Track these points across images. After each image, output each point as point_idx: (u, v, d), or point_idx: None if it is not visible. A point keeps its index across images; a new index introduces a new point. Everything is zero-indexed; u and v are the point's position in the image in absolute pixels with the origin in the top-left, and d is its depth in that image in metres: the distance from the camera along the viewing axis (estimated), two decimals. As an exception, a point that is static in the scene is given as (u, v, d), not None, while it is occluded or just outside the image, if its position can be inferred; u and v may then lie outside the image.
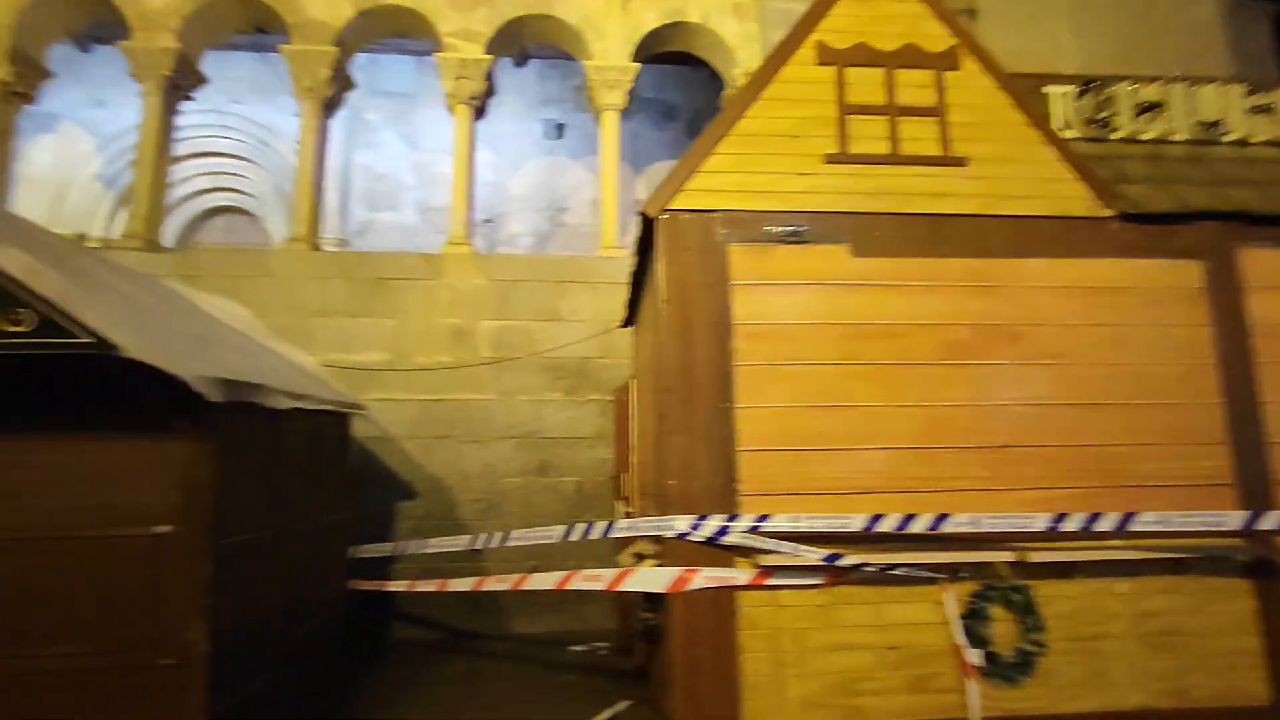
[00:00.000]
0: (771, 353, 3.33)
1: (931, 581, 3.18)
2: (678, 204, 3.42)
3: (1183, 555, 3.26)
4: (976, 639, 3.15)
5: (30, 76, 7.37)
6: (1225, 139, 4.11)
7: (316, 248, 7.05)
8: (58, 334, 2.59)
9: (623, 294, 6.88)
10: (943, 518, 3.06)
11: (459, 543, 4.61)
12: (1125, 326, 3.47)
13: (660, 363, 3.37)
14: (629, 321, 5.45)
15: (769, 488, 3.22)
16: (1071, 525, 3.06)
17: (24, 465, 2.92)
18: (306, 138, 7.26)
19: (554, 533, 3.78)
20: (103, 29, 8.57)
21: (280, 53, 8.92)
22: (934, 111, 3.59)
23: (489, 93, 7.71)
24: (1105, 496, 3.27)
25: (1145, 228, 3.55)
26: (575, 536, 3.61)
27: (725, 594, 3.15)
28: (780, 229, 3.43)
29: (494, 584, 3.87)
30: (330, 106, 7.51)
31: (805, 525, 3.07)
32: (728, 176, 3.46)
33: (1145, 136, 4.08)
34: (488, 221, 10.35)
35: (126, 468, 2.96)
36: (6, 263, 2.66)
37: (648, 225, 3.53)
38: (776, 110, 3.54)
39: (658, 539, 3.35)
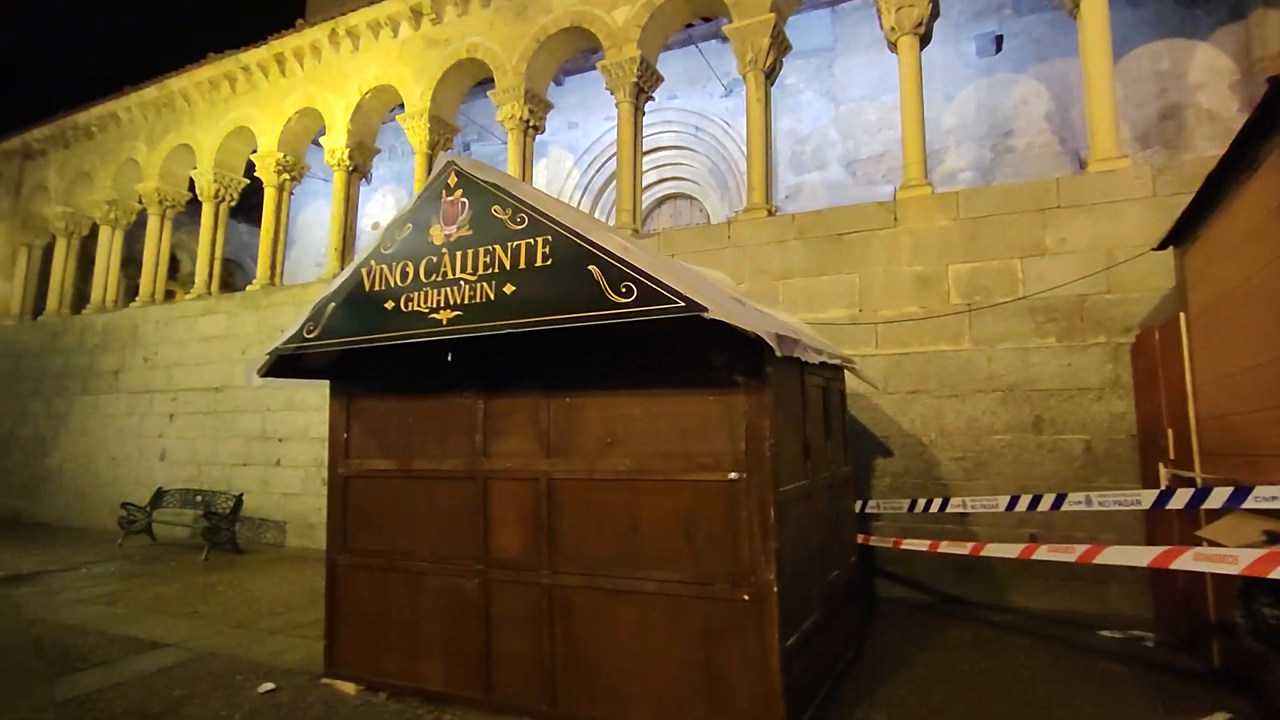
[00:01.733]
0: None
1: None
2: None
3: None
4: None
5: (539, 111, 9.11)
6: None
7: (771, 213, 7.29)
8: (654, 300, 2.95)
9: (1134, 213, 5.64)
10: None
11: (998, 502, 4.22)
12: None
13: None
14: (1177, 240, 4.34)
15: None
16: None
17: (626, 419, 3.47)
18: (753, 109, 7.54)
19: (1138, 498, 3.14)
20: (573, 62, 10.22)
21: (712, 43, 9.50)
22: None
23: (935, 14, 6.99)
24: None
25: None
26: (1176, 504, 2.92)
27: None
28: None
29: (1046, 552, 3.39)
30: (770, 74, 7.66)
31: None
32: None
33: None
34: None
35: (702, 420, 3.30)
36: (609, 244, 3.14)
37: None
38: None
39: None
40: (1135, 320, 5.51)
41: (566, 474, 3.61)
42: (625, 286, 2.98)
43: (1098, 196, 5.82)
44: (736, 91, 10.76)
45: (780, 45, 7.71)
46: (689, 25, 9.35)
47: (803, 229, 6.89)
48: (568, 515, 3.59)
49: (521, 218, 3.35)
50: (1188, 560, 2.72)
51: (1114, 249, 5.67)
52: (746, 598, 3.16)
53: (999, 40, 9.58)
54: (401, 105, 10.00)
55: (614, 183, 9.08)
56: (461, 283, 3.45)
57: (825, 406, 4.26)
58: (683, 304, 2.83)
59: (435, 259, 3.57)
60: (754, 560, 3.16)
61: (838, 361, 4.35)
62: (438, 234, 3.58)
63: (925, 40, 7.02)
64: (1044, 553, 3.27)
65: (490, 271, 3.39)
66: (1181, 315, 4.30)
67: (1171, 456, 4.42)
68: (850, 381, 5.32)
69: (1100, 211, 5.78)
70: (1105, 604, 5.45)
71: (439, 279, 3.53)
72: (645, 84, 8.32)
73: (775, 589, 3.11)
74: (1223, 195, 3.47)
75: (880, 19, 7.12)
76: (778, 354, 2.93)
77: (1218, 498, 2.71)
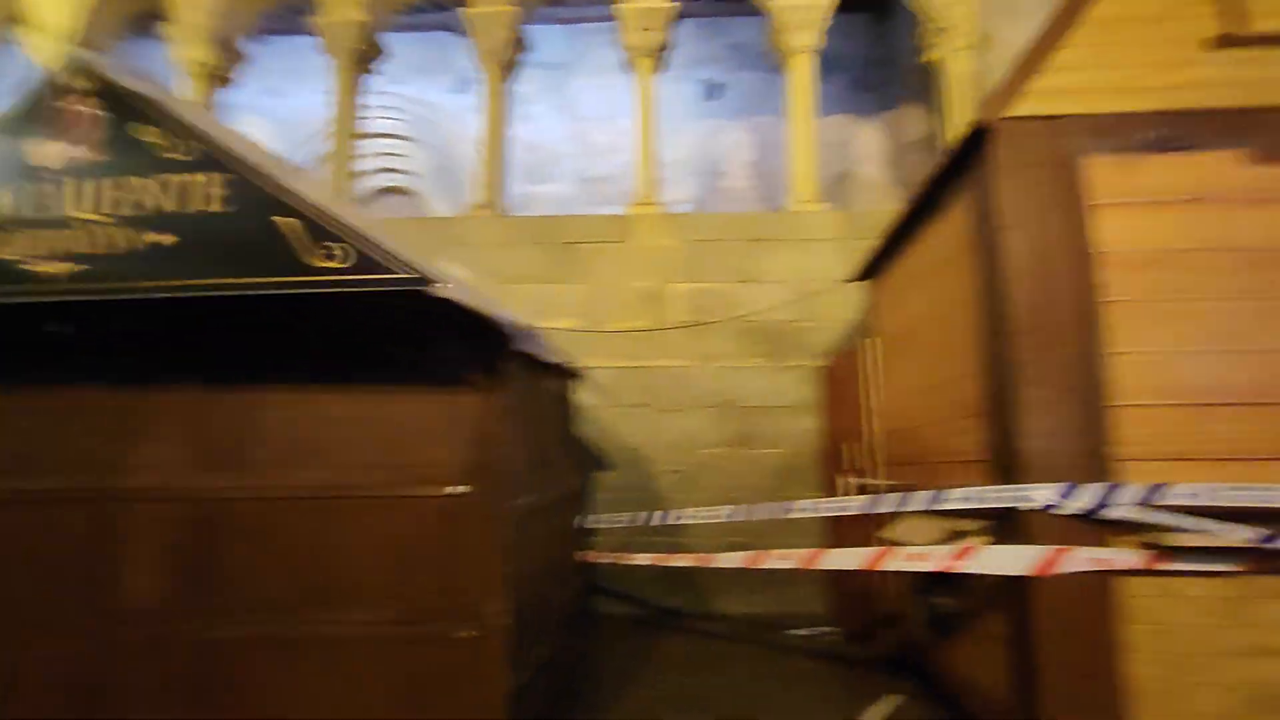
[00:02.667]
0: (1149, 287, 2.70)
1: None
2: (1017, 110, 2.83)
3: None
4: None
5: (231, 60, 7.62)
6: None
7: (503, 214, 6.90)
8: (369, 269, 2.35)
9: (824, 252, 6.36)
10: None
11: (718, 513, 4.24)
12: None
13: (1000, 304, 2.81)
14: (867, 274, 4.88)
15: (1156, 451, 2.61)
16: None
17: (323, 421, 2.76)
18: (491, 101, 7.11)
19: (852, 504, 3.34)
20: (280, 21, 8.82)
21: (447, 35, 8.85)
22: (1355, -26, 2.80)
23: (667, 46, 7.28)
24: None
25: None
26: (887, 507, 3.14)
27: (1102, 580, 2.58)
28: (1152, 135, 2.77)
29: (774, 560, 3.45)
30: (508, 69, 7.32)
31: (1224, 498, 2.44)
32: (1082, 74, 2.83)
33: None
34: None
35: (421, 423, 2.74)
36: (308, 191, 2.46)
37: (973, 141, 2.96)
38: (1138, -11, 2.87)
39: (983, 514, 2.84)
40: (827, 345, 6.17)
41: (238, 492, 2.76)
42: (330, 248, 2.33)
43: (799, 233, 6.46)
44: (470, 89, 10.21)
45: (519, 43, 7.43)
46: (422, 9, 8.64)
47: (536, 234, 6.61)
48: (238, 546, 2.74)
49: (190, 148, 2.49)
50: (897, 562, 2.92)
51: (810, 281, 6.32)
52: (470, 635, 2.67)
53: (718, 88, 10.45)
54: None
55: (325, 164, 7.92)
56: (90, 225, 2.46)
57: (560, 415, 3.96)
58: (406, 275, 2.28)
59: (45, 188, 2.51)
60: (481, 590, 2.68)
61: (570, 369, 4.09)
62: (52, 153, 2.53)
63: (660, 66, 7.27)
64: (773, 561, 3.34)
65: (135, 214, 2.46)
66: (867, 341, 4.84)
67: (848, 467, 4.94)
68: (580, 395, 5.11)
69: (801, 247, 6.42)
70: (795, 603, 5.94)
71: (50, 217, 2.49)
72: (368, 54, 7.41)
73: (505, 623, 2.66)
74: (911, 232, 3.91)
75: (622, 36, 7.21)
76: (520, 347, 2.53)
77: (918, 501, 2.95)
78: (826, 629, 5.26)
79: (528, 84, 10.32)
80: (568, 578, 4.05)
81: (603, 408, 6.23)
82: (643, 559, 4.57)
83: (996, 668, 2.97)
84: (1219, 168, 2.75)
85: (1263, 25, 2.78)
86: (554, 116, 10.62)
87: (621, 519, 5.14)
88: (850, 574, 4.60)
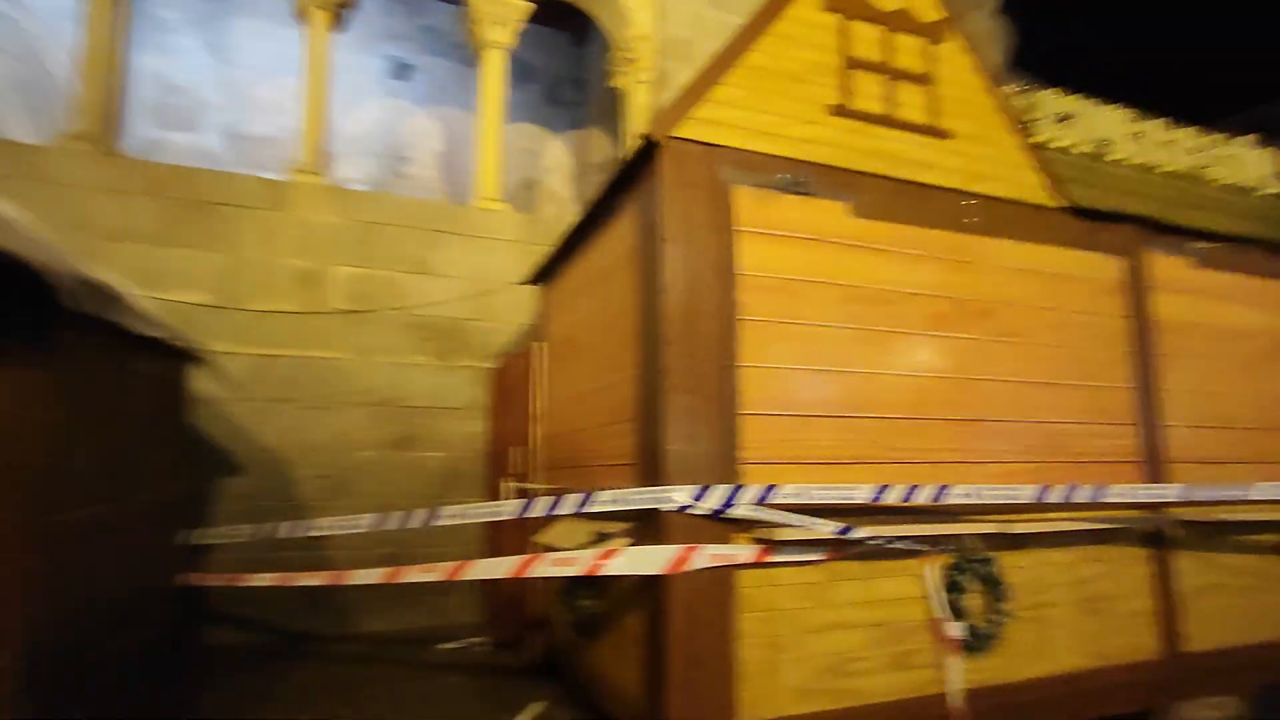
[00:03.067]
0: (776, 309, 3.04)
1: (918, 554, 3.10)
2: (684, 132, 2.99)
3: (1111, 526, 3.51)
4: (954, 612, 3.12)
5: None
6: (1112, 158, 4.59)
7: (111, 152, 5.47)
8: None
9: (504, 252, 6.25)
10: (944, 489, 2.98)
11: (360, 522, 3.72)
12: (1068, 312, 3.68)
13: (655, 313, 2.92)
14: (541, 278, 4.85)
15: (771, 455, 2.93)
16: (1054, 497, 3.15)
17: None
18: (93, 8, 5.60)
19: (504, 509, 3.15)
20: None
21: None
22: (924, 80, 3.53)
23: (348, 3, 6.55)
24: (1051, 471, 3.43)
25: (1084, 223, 3.81)
26: (539, 512, 3.02)
27: (725, 575, 2.80)
28: (786, 177, 3.15)
29: (416, 574, 3.12)
30: (133, -27, 5.88)
31: (816, 497, 2.82)
32: (736, 111, 3.10)
33: (1058, 144, 4.41)
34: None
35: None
36: None
37: (643, 155, 3.06)
38: (784, 49, 3.25)
39: (623, 515, 2.92)
40: (499, 347, 6.04)
41: None
42: None
43: (480, 230, 6.26)
44: (80, -9, 8.04)
45: (155, -52, 6.02)
46: None
47: (159, 183, 5.36)
48: None
49: None
50: (546, 567, 2.84)
51: (489, 280, 6.15)
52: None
53: (408, 68, 9.79)
54: None
55: None
56: None
57: (161, 406, 3.15)
58: None
59: None
60: (-19, 639, 1.92)
61: (184, 350, 3.30)
62: None
63: (338, 24, 6.50)
64: (414, 574, 3.02)
65: None
66: (536, 345, 4.81)
67: (513, 471, 4.86)
68: (199, 383, 4.20)
69: (480, 244, 6.22)
70: (446, 615, 5.65)
71: None
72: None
73: (14, 667, 1.95)
74: (584, 239, 3.97)
75: (293, -22, 6.29)
76: (90, 311, 1.88)
77: (570, 504, 2.92)
78: (477, 640, 5.07)
79: (172, 10, 8.53)
80: (156, 608, 3.23)
81: (234, 401, 5.26)
82: (265, 579, 3.88)
83: (632, 666, 3.06)
84: (831, 215, 3.22)
85: (863, 104, 3.36)
86: (204, 56, 8.93)
87: (242, 532, 4.33)
88: (503, 581, 4.48)
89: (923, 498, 2.95)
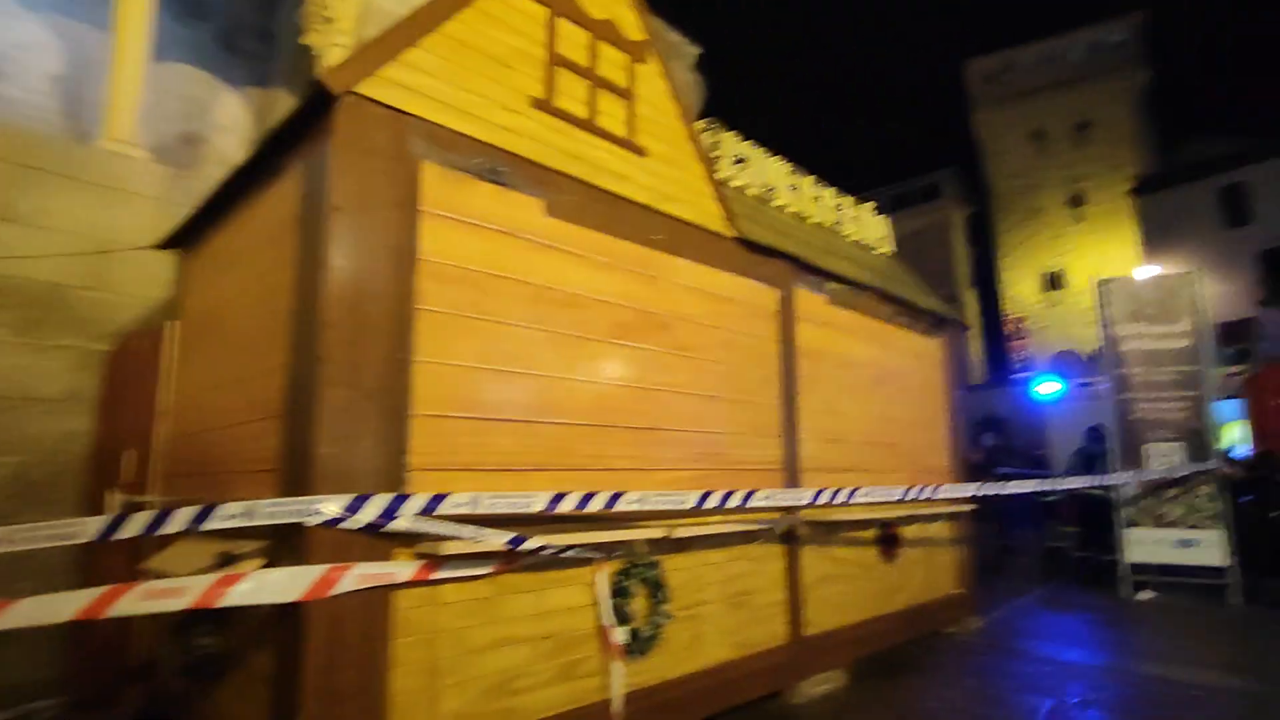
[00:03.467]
0: (459, 301, 2.79)
1: (590, 562, 3.07)
2: (368, 90, 2.61)
3: (758, 527, 3.90)
4: (621, 617, 3.16)
5: None
6: (775, 203, 5.24)
7: None
8: None
9: (137, 208, 5.04)
10: (618, 496, 2.99)
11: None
12: (733, 332, 4.04)
13: (315, 291, 2.48)
14: (180, 243, 3.96)
15: (444, 461, 2.66)
16: (713, 502, 3.35)
17: None
18: None
19: (85, 529, 2.32)
20: None
21: None
22: (626, 95, 3.61)
23: None
24: (712, 477, 3.70)
25: (750, 254, 4.23)
26: (135, 530, 2.29)
27: (379, 596, 2.45)
28: (483, 162, 2.94)
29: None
30: None
31: (487, 506, 2.61)
32: (431, 80, 2.80)
33: (734, 183, 4.89)
34: None
35: None
36: None
37: (314, 107, 2.60)
38: (488, 28, 3.04)
39: (259, 530, 2.42)
40: (120, 326, 4.82)
41: None
42: None
43: (104, 177, 4.98)
44: None
45: None
46: None
47: None
48: None
49: None
50: (134, 602, 2.18)
51: (111, 241, 4.90)
52: None
53: (15, -42, 7.55)
54: None
55: None
56: None
57: None
58: None
59: None
60: None
61: None
62: None
63: None
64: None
65: None
66: (168, 323, 3.92)
67: (126, 480, 3.88)
68: None
69: (102, 195, 4.95)
70: (4, 674, 4.27)
71: None
72: None
73: None
74: (237, 200, 3.31)
75: None
76: None
77: (180, 520, 2.31)
78: (44, 704, 3.90)
79: None
80: None
81: None
82: None
83: (259, 711, 2.54)
84: (526, 211, 3.09)
85: (566, 105, 3.31)
86: None
87: None
88: (97, 624, 3.50)
89: (598, 505, 2.93)
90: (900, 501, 4.76)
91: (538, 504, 2.76)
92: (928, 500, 5.38)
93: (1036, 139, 39.08)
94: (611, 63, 3.57)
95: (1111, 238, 35.03)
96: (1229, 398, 8.45)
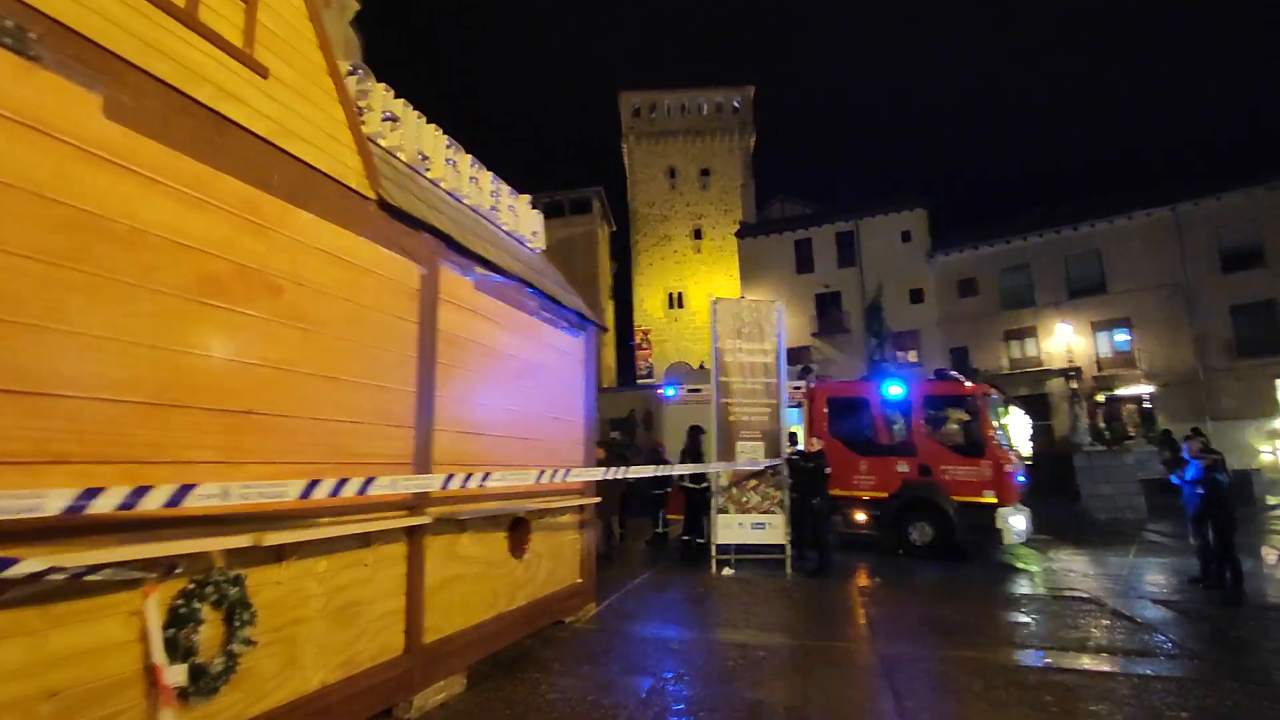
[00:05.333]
0: (-75, 210, 1.85)
1: (136, 584, 2.32)
2: None
3: (378, 529, 3.45)
4: (180, 651, 2.46)
5: None
6: (428, 174, 4.83)
7: None
8: None
9: None
10: (187, 490, 2.28)
11: None
12: (364, 308, 3.53)
13: None
14: None
15: None
16: (322, 493, 2.78)
17: None
18: None
19: None
20: None
21: None
22: (246, -5, 2.88)
23: None
24: (327, 473, 3.15)
25: (394, 223, 3.76)
26: None
27: None
28: (8, 23, 2.01)
29: None
30: None
31: (-47, 514, 1.76)
32: None
33: (383, 143, 4.37)
34: None
35: None
36: None
37: None
38: None
39: None
40: None
41: None
42: None
43: None
44: None
45: None
46: None
47: None
48: None
49: None
50: None
51: None
52: None
53: None
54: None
55: None
56: None
57: None
58: None
59: None
60: None
61: None
62: None
63: None
64: None
65: None
66: None
67: None
68: None
69: None
70: None
71: None
72: None
73: None
74: None
75: None
76: None
77: None
78: None
79: None
80: None
81: None
82: None
83: None
84: (69, 103, 2.22)
85: (153, -22, 2.50)
86: None
87: None
88: None
89: (155, 503, 2.21)
90: (533, 491, 4.72)
91: (51, 504, 1.96)
92: (559, 491, 5.48)
93: (670, 175, 44.67)
94: (229, -51, 2.82)
95: (721, 269, 41.77)
96: (794, 406, 10.49)
